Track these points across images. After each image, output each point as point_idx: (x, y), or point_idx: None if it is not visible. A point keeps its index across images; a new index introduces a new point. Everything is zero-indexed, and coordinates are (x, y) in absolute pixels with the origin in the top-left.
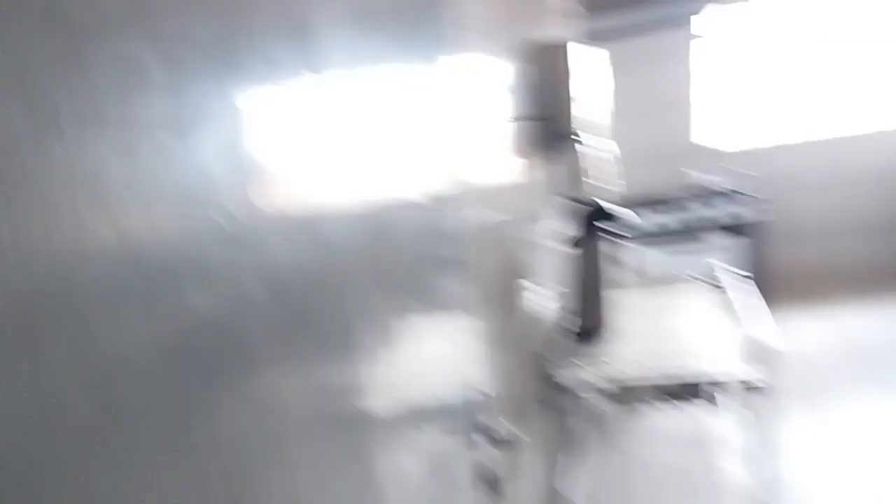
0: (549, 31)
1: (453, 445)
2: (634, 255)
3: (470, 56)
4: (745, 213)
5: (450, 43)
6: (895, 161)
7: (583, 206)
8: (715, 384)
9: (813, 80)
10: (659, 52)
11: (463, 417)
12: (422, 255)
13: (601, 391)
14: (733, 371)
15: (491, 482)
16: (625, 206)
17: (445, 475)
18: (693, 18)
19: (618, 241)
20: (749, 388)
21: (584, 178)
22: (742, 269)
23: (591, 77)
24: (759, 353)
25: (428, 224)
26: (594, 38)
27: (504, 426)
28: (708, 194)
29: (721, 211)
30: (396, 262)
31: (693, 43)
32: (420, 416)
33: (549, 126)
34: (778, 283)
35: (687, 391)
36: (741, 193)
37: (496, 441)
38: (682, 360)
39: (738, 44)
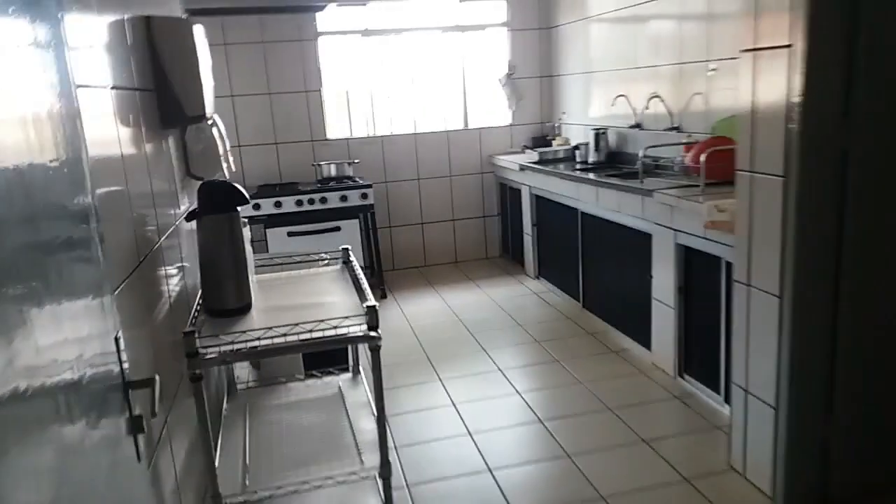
0: (169, 8)
1: (95, 426)
2: (268, 235)
3: (84, 21)
4: (362, 198)
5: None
6: (473, 156)
7: (208, 184)
8: (349, 341)
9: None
10: (288, 46)
11: (104, 395)
12: (46, 234)
13: (242, 361)
14: (357, 332)
15: (141, 454)
16: (260, 192)
17: (88, 459)
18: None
19: (241, 218)
20: (368, 346)
21: (206, 157)
22: (361, 246)
23: (209, 58)
24: (371, 317)
25: (51, 201)
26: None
27: (150, 400)
28: (333, 182)
29: (344, 196)
30: (16, 243)
31: (319, 39)
32: (55, 399)
33: (172, 103)
34: (389, 257)
35: (321, 355)
36: (358, 180)
37: (143, 416)
38: (314, 327)
39: (355, 43)
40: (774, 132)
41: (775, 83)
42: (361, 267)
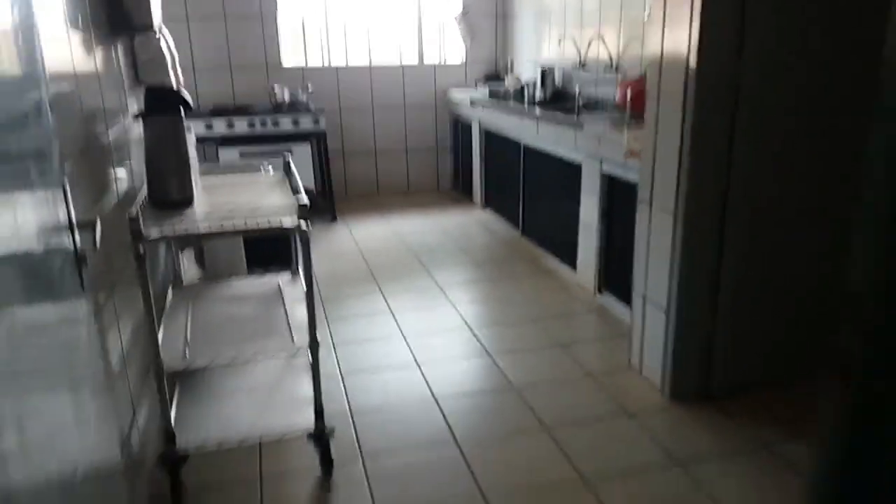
0: None
1: (50, 286)
2: (220, 154)
3: None
4: (314, 123)
5: None
6: (427, 90)
7: (154, 88)
8: (281, 230)
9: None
10: None
11: (53, 269)
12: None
13: (181, 242)
14: (291, 223)
15: (86, 288)
16: (213, 112)
17: (40, 322)
18: None
19: (184, 121)
20: (299, 235)
21: (154, 65)
22: (312, 170)
23: None
24: (302, 212)
25: (7, 95)
26: None
27: (91, 238)
28: (284, 105)
29: (296, 121)
30: None
31: None
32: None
33: (121, 12)
34: (342, 184)
35: (265, 256)
36: (312, 106)
37: (86, 252)
38: (249, 216)
39: None
40: (678, 69)
41: (680, 24)
42: (310, 191)
